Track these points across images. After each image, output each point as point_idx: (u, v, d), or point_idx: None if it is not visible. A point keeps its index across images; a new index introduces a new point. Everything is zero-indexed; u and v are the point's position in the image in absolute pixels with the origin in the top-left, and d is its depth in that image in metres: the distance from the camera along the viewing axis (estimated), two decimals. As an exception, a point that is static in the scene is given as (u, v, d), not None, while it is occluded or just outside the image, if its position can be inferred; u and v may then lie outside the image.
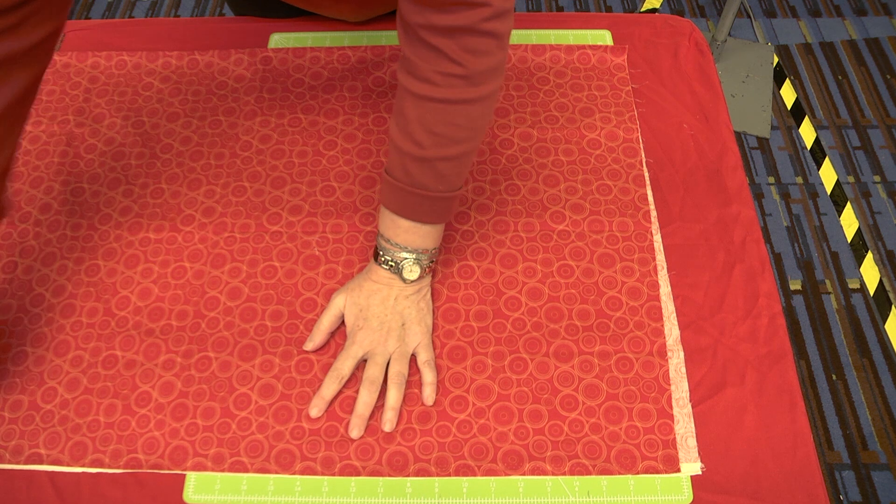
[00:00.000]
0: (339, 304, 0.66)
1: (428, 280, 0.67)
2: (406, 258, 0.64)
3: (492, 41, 0.55)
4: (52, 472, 0.60)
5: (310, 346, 0.65)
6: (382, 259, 0.64)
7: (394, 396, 0.62)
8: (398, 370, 0.63)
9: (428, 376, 0.63)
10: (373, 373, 0.62)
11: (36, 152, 0.79)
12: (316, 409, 0.62)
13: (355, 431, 0.61)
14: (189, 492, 0.60)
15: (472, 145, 0.61)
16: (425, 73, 0.56)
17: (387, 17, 0.89)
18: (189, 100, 0.83)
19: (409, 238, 0.63)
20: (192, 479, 0.60)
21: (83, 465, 0.60)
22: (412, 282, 0.65)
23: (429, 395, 0.63)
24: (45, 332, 0.67)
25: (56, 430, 0.62)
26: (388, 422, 0.61)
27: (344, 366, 0.63)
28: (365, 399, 0.62)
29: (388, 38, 0.87)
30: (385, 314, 0.64)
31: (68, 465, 0.60)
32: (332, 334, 0.67)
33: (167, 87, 0.84)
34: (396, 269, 0.64)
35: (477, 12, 0.53)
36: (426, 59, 0.56)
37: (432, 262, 0.66)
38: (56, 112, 0.82)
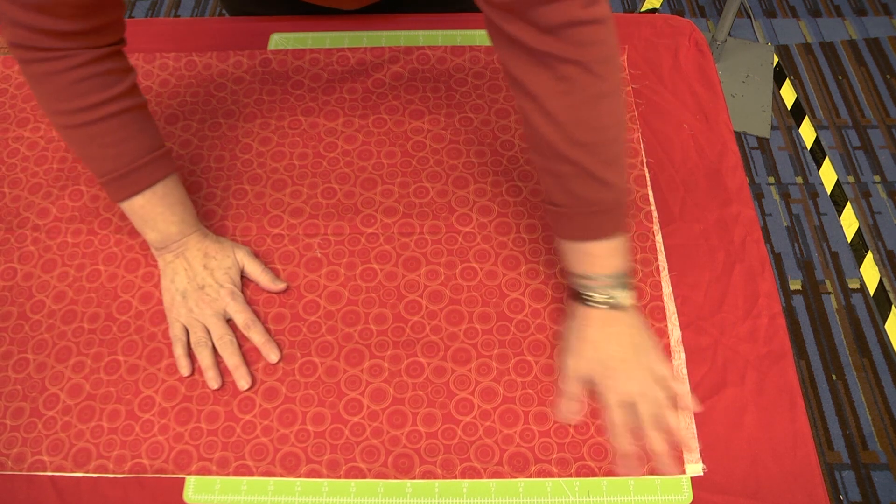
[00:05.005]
0: (577, 371, 0.61)
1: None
2: (615, 283, 0.59)
3: (599, 27, 0.52)
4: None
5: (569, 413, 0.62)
6: (595, 301, 0.59)
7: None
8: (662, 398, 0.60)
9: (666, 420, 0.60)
10: (647, 411, 0.59)
11: (34, 158, 0.79)
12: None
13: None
14: (189, 492, 0.60)
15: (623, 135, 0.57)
16: (547, 85, 0.54)
17: (384, 10, 0.89)
18: (187, 101, 0.83)
19: (610, 262, 0.59)
20: (193, 479, 0.60)
21: (87, 472, 0.60)
22: (628, 306, 0.60)
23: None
24: (47, 338, 0.67)
25: (59, 436, 0.62)
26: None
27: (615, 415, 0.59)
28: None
29: (387, 38, 0.87)
30: (626, 352, 0.60)
31: (72, 471, 0.60)
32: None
33: (165, 90, 0.84)
34: (614, 303, 0.59)
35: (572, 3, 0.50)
36: (540, 72, 0.53)
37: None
38: (56, 116, 0.82)
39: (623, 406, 0.59)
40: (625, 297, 0.60)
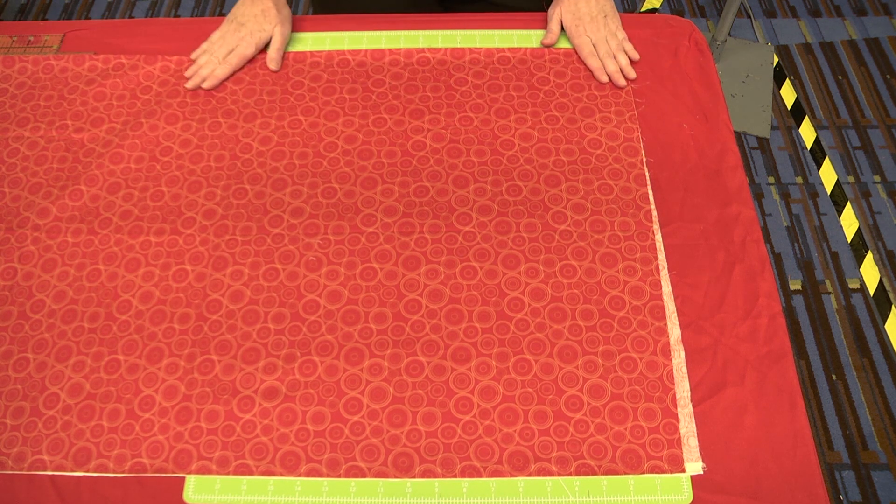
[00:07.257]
0: (556, 18, 0.86)
1: None
2: None
3: None
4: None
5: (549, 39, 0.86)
6: None
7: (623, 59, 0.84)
8: (616, 44, 0.85)
9: (622, 59, 0.84)
10: (605, 50, 0.84)
11: (34, 158, 0.79)
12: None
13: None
14: (189, 492, 0.60)
15: None
16: None
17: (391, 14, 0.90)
18: (188, 102, 0.83)
19: None
20: (193, 479, 0.60)
21: (87, 471, 0.60)
22: None
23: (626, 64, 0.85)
24: (47, 337, 0.67)
25: (59, 435, 0.62)
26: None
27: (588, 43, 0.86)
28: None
29: (388, 39, 0.87)
30: (594, 12, 0.85)
31: (72, 470, 0.61)
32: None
33: (165, 90, 0.84)
34: None
35: None
36: None
37: None
38: (54, 117, 0.82)
39: (590, 44, 0.84)
40: None
